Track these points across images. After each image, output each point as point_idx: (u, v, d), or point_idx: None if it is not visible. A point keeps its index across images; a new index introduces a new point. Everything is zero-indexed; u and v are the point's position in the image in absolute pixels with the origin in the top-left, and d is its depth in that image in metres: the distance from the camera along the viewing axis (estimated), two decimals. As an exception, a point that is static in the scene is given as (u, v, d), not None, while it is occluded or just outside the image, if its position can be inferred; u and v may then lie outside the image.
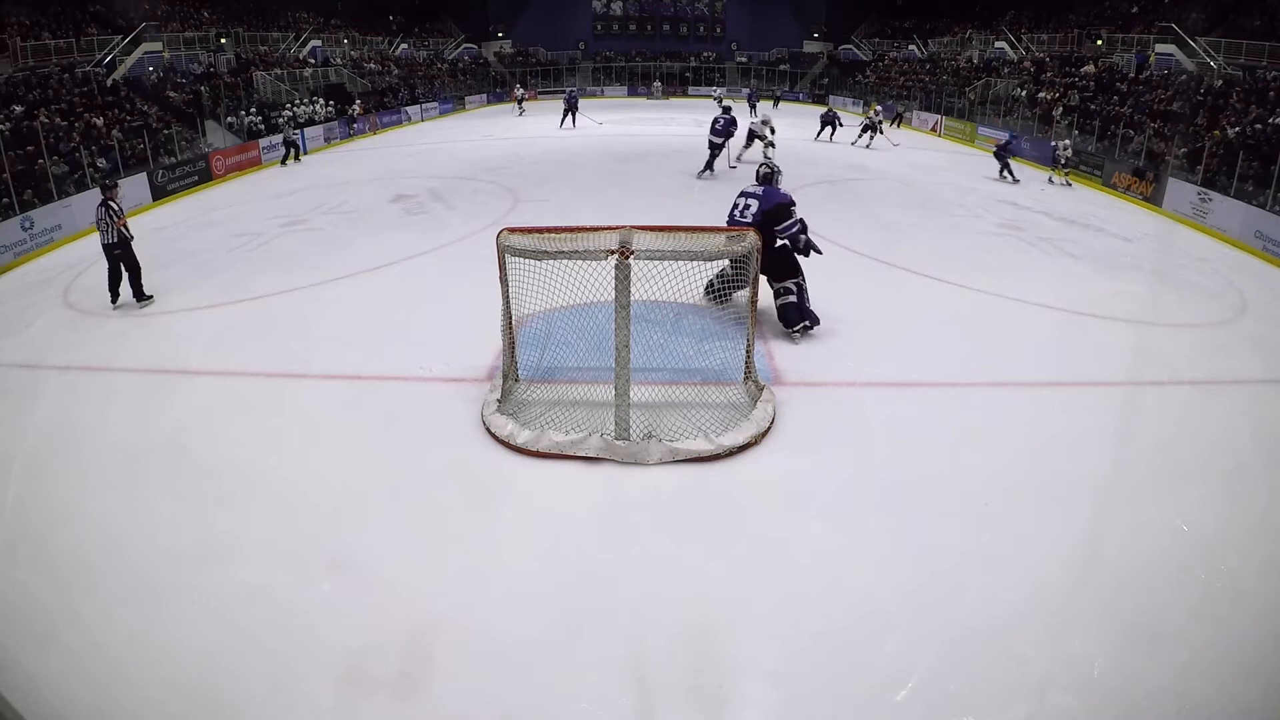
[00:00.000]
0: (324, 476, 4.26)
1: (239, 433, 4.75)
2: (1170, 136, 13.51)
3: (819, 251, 6.06)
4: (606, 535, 3.77)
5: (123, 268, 7.05)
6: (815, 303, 6.12)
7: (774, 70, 34.71)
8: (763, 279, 5.47)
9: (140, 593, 3.35)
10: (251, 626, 3.16)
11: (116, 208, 6.99)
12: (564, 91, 24.01)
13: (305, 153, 17.22)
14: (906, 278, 7.78)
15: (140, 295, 7.10)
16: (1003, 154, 14.12)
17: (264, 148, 16.21)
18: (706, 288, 6.05)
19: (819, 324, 6.06)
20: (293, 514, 3.91)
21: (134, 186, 11.83)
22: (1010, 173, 13.94)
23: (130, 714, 2.79)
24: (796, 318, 5.95)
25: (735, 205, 6.10)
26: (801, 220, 5.94)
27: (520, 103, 26.76)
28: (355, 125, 20.61)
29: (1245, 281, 8.17)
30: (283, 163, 16.28)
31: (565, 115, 21.19)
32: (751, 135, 14.71)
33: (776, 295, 6.01)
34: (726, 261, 5.68)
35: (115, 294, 7.09)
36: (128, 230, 7.08)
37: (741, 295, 5.68)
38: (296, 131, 17.49)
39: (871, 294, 7.36)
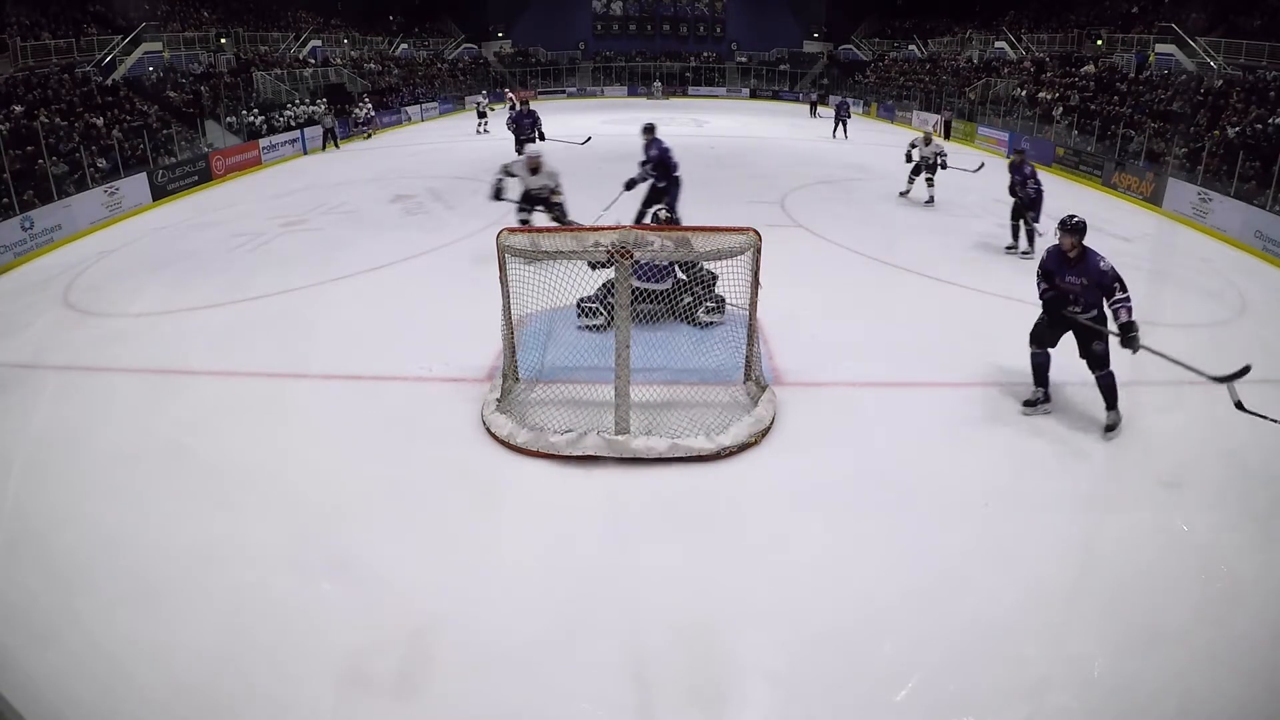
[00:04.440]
0: (324, 476, 4.25)
1: (239, 433, 4.75)
2: (1170, 136, 13.50)
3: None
4: (606, 535, 3.77)
5: None
6: (814, 303, 6.11)
7: (774, 70, 34.72)
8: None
9: (140, 593, 3.35)
10: (251, 626, 3.16)
11: None
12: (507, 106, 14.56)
13: (338, 144, 18.53)
14: (906, 278, 7.78)
15: None
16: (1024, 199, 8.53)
17: (264, 148, 16.21)
18: (585, 305, 5.74)
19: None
20: (293, 514, 3.91)
21: (134, 186, 11.85)
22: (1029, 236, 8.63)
23: (130, 714, 2.78)
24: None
25: None
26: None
27: (364, 124, 20.55)
28: (360, 126, 20.70)
29: (1245, 281, 8.16)
30: (323, 148, 17.86)
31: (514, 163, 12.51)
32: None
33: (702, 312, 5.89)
34: (609, 274, 5.38)
35: None
36: None
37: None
38: (335, 120, 18.91)
39: (871, 294, 7.36)
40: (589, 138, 13.47)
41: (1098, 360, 4.69)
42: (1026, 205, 8.57)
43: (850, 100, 23.61)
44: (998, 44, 25.29)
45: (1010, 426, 4.84)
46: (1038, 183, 8.54)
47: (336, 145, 18.21)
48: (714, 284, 5.75)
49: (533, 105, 13.22)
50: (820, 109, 26.57)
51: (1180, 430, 4.83)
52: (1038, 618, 3.22)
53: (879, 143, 19.08)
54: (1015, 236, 8.86)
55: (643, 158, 8.21)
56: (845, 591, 3.36)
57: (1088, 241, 4.66)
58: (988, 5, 28.39)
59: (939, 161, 11.12)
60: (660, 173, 8.04)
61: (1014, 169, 8.69)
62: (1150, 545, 3.70)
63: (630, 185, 8.13)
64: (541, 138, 12.60)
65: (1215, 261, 9.07)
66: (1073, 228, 4.61)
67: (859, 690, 2.86)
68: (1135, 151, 13.85)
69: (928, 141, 11.36)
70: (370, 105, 21.81)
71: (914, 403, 5.15)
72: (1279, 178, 9.98)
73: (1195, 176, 11.73)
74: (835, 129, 20.02)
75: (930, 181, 11.35)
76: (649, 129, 8.30)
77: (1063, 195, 13.00)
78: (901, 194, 11.88)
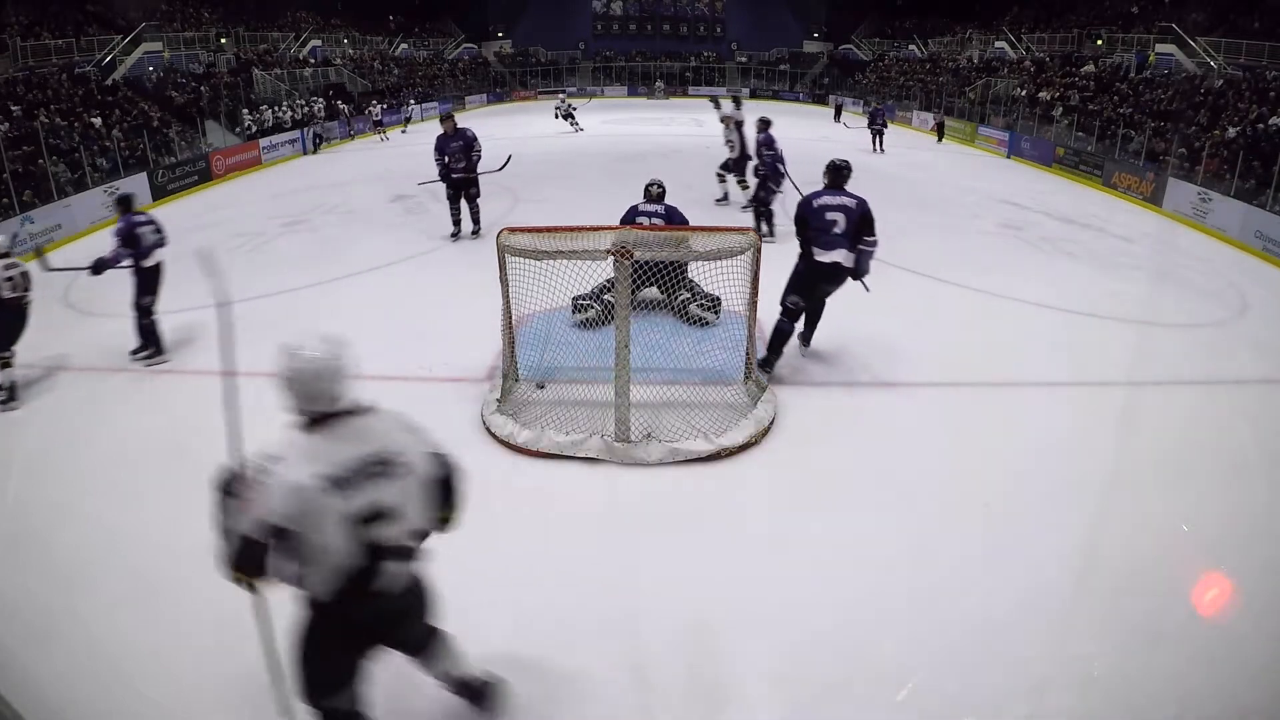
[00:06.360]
0: (324, 476, 4.24)
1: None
2: (1170, 136, 13.50)
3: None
4: (606, 535, 3.77)
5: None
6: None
7: (774, 70, 34.71)
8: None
9: (140, 593, 3.35)
10: (252, 626, 3.15)
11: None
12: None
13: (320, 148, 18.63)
14: (906, 278, 7.77)
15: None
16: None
17: (264, 148, 16.22)
18: (579, 302, 5.69)
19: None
20: (293, 514, 3.90)
21: (134, 186, 11.85)
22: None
23: (130, 714, 2.78)
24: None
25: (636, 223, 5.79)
26: None
27: (378, 124, 20.91)
28: (356, 125, 20.75)
29: (1245, 281, 8.16)
30: (315, 150, 18.05)
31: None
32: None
33: (694, 303, 5.93)
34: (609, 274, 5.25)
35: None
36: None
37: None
38: (329, 124, 19.39)
39: (871, 293, 7.34)
40: (509, 157, 10.41)
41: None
42: (764, 183, 8.16)
43: (886, 106, 20.37)
44: (998, 44, 25.30)
45: (1010, 427, 4.84)
46: (774, 152, 8.32)
47: (315, 150, 18.07)
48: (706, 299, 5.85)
49: (462, 124, 9.25)
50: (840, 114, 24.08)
51: (1181, 430, 4.82)
52: (1038, 618, 3.22)
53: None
54: (759, 222, 8.34)
55: (119, 240, 5.49)
56: (845, 591, 3.36)
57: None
58: (988, 5, 28.38)
59: (742, 150, 9.26)
60: (139, 256, 5.51)
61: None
62: (1151, 545, 3.70)
63: (99, 268, 5.56)
64: (471, 169, 9.00)
65: (1215, 261, 9.07)
66: (829, 166, 5.06)
67: (859, 690, 2.85)
68: (1135, 151, 13.85)
69: (728, 125, 9.51)
70: (379, 106, 21.91)
71: (913, 403, 5.15)
72: (1279, 178, 9.98)
73: (1195, 176, 11.73)
74: (875, 142, 17.07)
75: (726, 178, 9.73)
76: (124, 201, 5.69)
77: (1063, 195, 13.01)
78: (744, 207, 9.76)
